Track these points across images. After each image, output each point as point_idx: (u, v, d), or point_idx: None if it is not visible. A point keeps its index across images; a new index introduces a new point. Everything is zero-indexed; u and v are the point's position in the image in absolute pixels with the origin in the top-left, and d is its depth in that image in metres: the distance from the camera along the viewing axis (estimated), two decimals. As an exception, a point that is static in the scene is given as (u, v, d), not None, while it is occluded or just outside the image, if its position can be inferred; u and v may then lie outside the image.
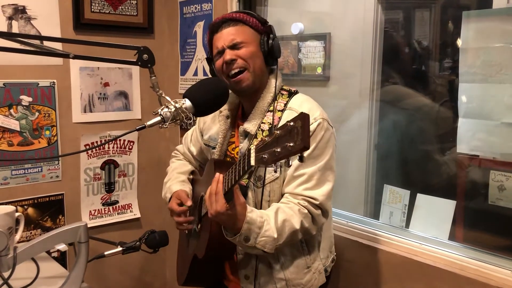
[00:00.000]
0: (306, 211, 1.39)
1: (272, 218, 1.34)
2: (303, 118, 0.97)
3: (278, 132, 1.01)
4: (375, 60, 2.01)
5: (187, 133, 1.85)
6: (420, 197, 1.74)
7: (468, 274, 1.48)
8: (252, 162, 1.06)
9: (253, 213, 1.32)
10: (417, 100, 1.91)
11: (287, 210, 1.38)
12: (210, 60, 1.57)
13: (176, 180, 1.70)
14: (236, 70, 1.46)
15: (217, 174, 1.30)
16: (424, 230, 1.70)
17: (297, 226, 1.36)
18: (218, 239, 1.38)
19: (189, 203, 1.57)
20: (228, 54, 1.46)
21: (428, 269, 1.57)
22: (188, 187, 1.68)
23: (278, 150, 0.99)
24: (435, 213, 1.69)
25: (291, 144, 0.97)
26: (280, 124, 1.42)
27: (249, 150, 1.09)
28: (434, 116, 1.86)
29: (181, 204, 1.60)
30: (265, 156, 1.02)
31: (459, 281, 1.49)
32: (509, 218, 1.53)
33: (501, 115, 1.50)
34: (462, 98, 1.59)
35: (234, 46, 1.46)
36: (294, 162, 1.41)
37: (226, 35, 1.47)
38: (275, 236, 1.33)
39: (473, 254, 1.53)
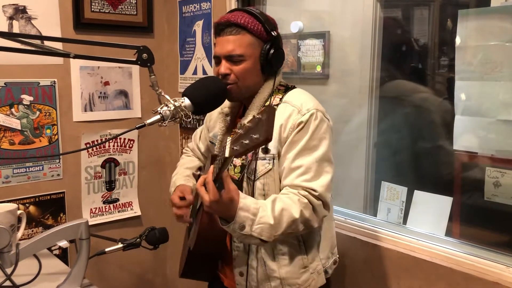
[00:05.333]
0: (306, 200, 1.35)
1: (268, 206, 1.31)
2: (269, 111, 0.99)
3: (248, 124, 1.04)
4: (374, 58, 2.01)
5: (197, 130, 1.86)
6: (417, 194, 1.76)
7: (464, 269, 1.50)
8: (227, 154, 1.07)
9: (247, 200, 1.29)
10: (414, 98, 1.93)
11: (285, 199, 1.34)
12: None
13: (182, 175, 1.71)
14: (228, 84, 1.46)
15: (211, 166, 1.31)
16: (421, 226, 1.71)
17: (297, 215, 1.32)
18: (206, 230, 1.40)
19: (190, 197, 1.55)
20: (223, 67, 1.44)
21: (425, 265, 1.59)
22: (192, 182, 1.68)
23: (247, 142, 1.01)
24: (432, 209, 1.70)
25: (257, 136, 0.99)
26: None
27: (226, 142, 1.11)
28: (432, 114, 1.88)
29: (183, 198, 1.58)
30: (237, 148, 1.04)
31: (455, 276, 1.51)
32: (504, 214, 1.54)
33: (497, 112, 1.51)
34: (458, 96, 1.61)
35: (230, 58, 1.43)
36: (290, 154, 1.41)
37: (226, 43, 1.43)
38: (272, 222, 1.28)
39: (469, 249, 1.54)
